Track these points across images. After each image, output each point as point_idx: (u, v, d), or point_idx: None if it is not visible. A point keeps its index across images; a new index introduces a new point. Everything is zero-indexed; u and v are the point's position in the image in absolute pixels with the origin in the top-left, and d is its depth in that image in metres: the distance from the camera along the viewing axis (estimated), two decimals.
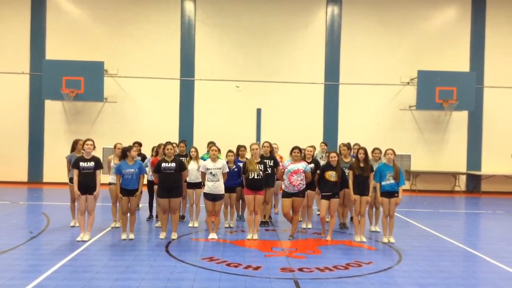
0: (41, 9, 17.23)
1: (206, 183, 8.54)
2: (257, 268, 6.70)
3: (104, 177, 9.76)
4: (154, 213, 10.34)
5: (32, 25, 17.26)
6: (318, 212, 10.72)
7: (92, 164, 8.12)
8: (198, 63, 17.55)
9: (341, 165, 8.97)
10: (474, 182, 17.97)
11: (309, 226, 9.79)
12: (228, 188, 9.16)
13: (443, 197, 16.60)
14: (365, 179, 8.53)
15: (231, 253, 7.55)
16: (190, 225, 9.68)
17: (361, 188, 8.53)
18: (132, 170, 8.27)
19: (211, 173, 8.46)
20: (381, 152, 9.23)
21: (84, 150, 8.29)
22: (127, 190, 8.29)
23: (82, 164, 8.10)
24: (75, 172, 8.12)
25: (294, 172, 8.49)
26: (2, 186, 16.24)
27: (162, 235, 8.49)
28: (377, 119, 17.69)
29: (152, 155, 10.35)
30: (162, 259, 7.09)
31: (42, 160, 17.28)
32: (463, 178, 18.00)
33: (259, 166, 8.70)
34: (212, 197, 8.50)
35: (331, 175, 8.55)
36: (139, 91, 17.39)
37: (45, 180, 17.23)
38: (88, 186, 8.11)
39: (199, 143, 12.91)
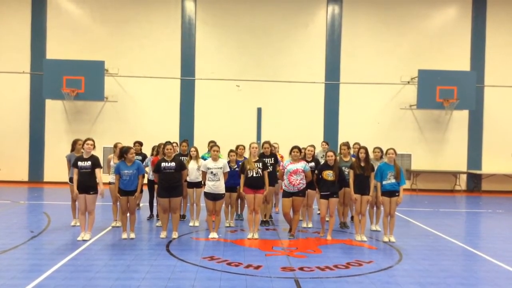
0: (42, 9, 17.23)
1: (207, 182, 8.55)
2: (257, 267, 6.70)
3: (105, 176, 9.78)
4: (154, 213, 10.34)
5: (32, 24, 17.26)
6: (318, 212, 10.74)
7: (89, 163, 8.11)
8: (198, 63, 17.55)
9: (340, 165, 9.00)
10: (475, 181, 17.97)
11: (310, 225, 9.79)
12: (229, 188, 9.16)
13: (444, 196, 16.60)
14: (366, 178, 8.53)
15: (232, 252, 7.55)
16: (191, 224, 9.69)
17: (362, 187, 8.52)
18: (130, 171, 8.25)
19: (212, 172, 8.47)
20: (382, 151, 9.23)
21: (84, 149, 8.29)
22: (126, 191, 8.30)
23: (80, 163, 8.10)
24: (75, 171, 8.14)
25: (294, 172, 8.49)
26: (3, 185, 16.24)
27: (163, 234, 8.50)
28: (377, 118, 17.69)
29: (152, 155, 10.36)
30: (162, 259, 7.10)
31: (42, 160, 17.29)
32: (463, 177, 18.00)
33: (257, 165, 8.69)
34: (212, 197, 8.51)
35: (328, 175, 8.56)
36: (139, 91, 17.39)
37: (45, 179, 17.23)
38: (85, 185, 8.10)
39: (200, 142, 12.92)
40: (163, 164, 8.32)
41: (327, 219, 8.95)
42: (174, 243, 8.11)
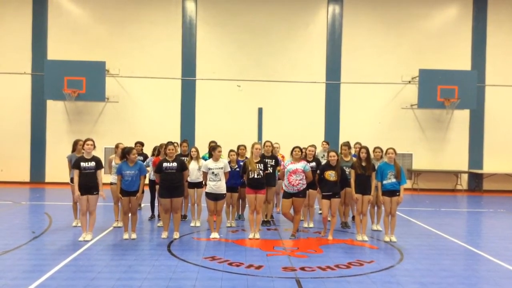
0: (43, 9, 17.25)
1: (208, 182, 8.56)
2: (259, 267, 6.71)
3: (106, 177, 9.80)
4: (156, 213, 10.35)
5: (33, 25, 17.27)
6: (320, 211, 10.75)
7: (93, 164, 8.14)
8: (199, 63, 17.55)
9: (341, 164, 8.98)
10: (476, 181, 17.95)
11: (311, 225, 9.80)
12: (230, 188, 9.17)
13: (445, 195, 16.59)
14: (367, 178, 8.53)
15: (233, 252, 7.56)
16: (192, 224, 9.70)
17: (363, 187, 8.53)
18: (132, 172, 8.26)
19: (213, 172, 8.48)
20: (382, 151, 9.23)
21: (84, 150, 8.30)
22: (128, 192, 8.31)
23: (83, 164, 8.10)
24: (76, 173, 8.13)
25: (293, 172, 8.49)
26: (4, 186, 16.28)
27: (164, 234, 8.51)
28: (378, 118, 17.68)
29: (153, 155, 10.36)
30: (164, 259, 7.11)
31: (44, 160, 17.31)
32: (464, 177, 17.98)
33: (258, 166, 8.71)
34: (214, 197, 8.52)
35: (330, 175, 8.55)
36: (140, 91, 17.40)
37: (47, 180, 17.25)
38: (88, 186, 8.12)
39: (201, 142, 12.93)
40: (164, 165, 8.33)
41: (329, 219, 8.96)
42: (176, 243, 8.12)
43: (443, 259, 7.48)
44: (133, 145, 9.63)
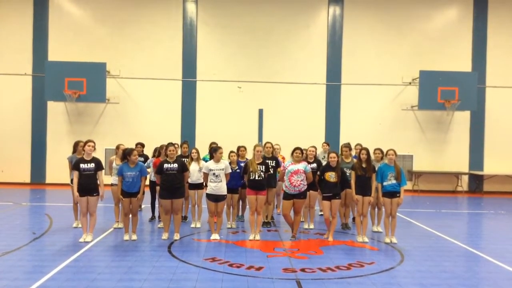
0: (43, 10, 17.27)
1: (209, 184, 8.57)
2: (259, 268, 6.72)
3: (106, 178, 9.81)
4: (156, 214, 10.36)
5: (34, 26, 17.29)
6: (320, 212, 10.75)
7: (92, 165, 8.14)
8: (200, 64, 17.56)
9: (342, 166, 8.99)
10: (476, 182, 17.94)
11: (311, 226, 9.80)
12: (230, 189, 9.17)
13: (445, 197, 16.58)
14: (368, 179, 8.54)
15: (233, 253, 7.57)
16: (193, 225, 9.70)
17: (364, 188, 8.53)
18: (133, 173, 8.27)
19: (214, 174, 8.49)
20: (382, 152, 9.23)
21: (84, 151, 8.31)
22: (129, 193, 8.31)
23: (82, 165, 8.11)
24: (75, 174, 8.14)
25: (294, 173, 8.50)
26: (5, 187, 16.29)
27: (165, 235, 8.52)
28: (379, 119, 17.68)
29: (154, 156, 10.37)
30: (164, 260, 7.12)
31: (44, 161, 17.31)
32: (465, 178, 17.98)
33: (260, 167, 8.71)
34: (215, 198, 8.53)
35: (330, 176, 8.56)
36: (141, 92, 17.42)
37: (47, 181, 17.26)
38: (88, 187, 8.12)
39: (201, 143, 12.92)
40: (165, 166, 8.34)
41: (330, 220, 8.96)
42: (176, 245, 8.13)
43: (443, 260, 7.48)
44: (133, 146, 9.62)
